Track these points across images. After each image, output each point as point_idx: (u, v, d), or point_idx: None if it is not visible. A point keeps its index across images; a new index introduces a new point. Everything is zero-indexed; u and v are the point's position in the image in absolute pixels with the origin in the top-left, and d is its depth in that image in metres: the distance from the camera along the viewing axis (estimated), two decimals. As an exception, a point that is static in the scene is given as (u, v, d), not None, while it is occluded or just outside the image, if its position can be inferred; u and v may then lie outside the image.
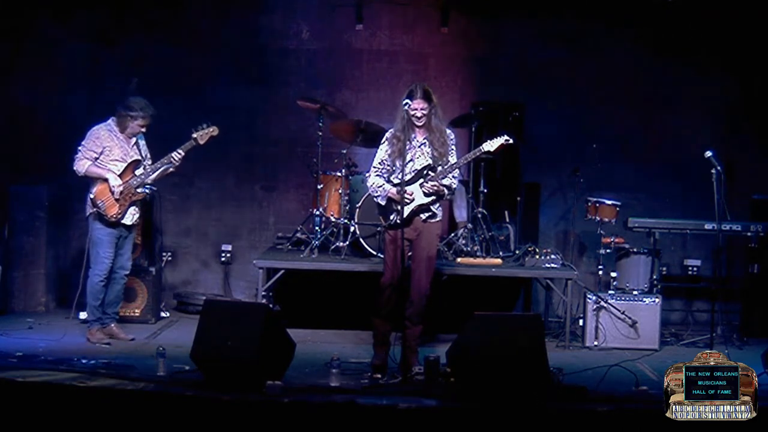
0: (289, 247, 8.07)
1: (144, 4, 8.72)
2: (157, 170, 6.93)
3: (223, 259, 8.90)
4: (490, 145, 6.26)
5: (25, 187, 8.23)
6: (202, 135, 6.90)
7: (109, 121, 6.95)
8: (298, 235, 8.09)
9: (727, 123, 8.76)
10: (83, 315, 7.32)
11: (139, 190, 6.92)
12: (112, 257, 6.93)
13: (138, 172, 6.93)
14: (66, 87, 8.63)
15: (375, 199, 6.36)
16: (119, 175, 6.85)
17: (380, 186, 6.25)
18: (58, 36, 8.64)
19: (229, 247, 8.89)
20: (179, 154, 6.86)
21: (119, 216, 6.86)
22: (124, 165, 6.90)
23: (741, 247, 8.10)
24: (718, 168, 6.78)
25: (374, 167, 6.32)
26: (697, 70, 8.73)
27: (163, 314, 8.13)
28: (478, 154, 6.33)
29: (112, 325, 7.11)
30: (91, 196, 6.83)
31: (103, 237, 6.88)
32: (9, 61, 8.63)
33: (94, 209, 6.83)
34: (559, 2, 8.69)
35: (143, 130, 6.93)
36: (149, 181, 6.98)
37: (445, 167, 6.18)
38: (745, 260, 8.11)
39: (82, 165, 6.84)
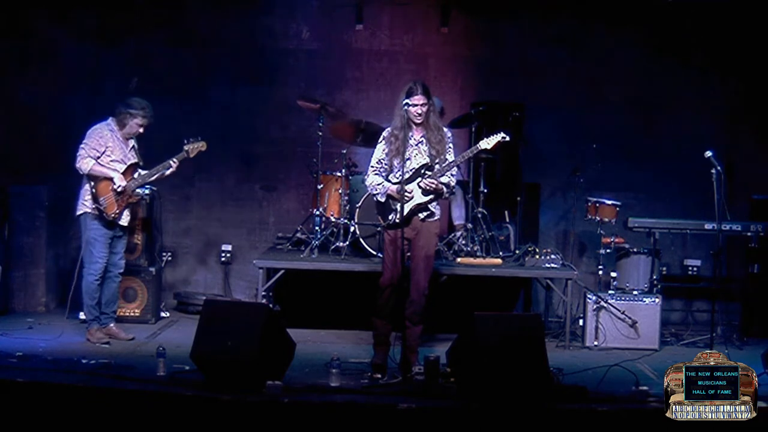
0: (289, 247, 8.07)
1: (144, 4, 8.72)
2: (154, 176, 6.97)
3: (223, 259, 8.90)
4: (487, 143, 6.26)
5: (25, 187, 8.22)
6: (192, 149, 6.96)
7: (109, 120, 6.96)
8: (298, 235, 8.10)
9: (727, 123, 8.77)
10: (83, 315, 7.32)
11: (136, 192, 6.96)
12: (107, 257, 6.95)
13: (136, 175, 6.96)
14: (66, 87, 8.62)
15: (375, 197, 6.35)
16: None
17: (379, 184, 6.25)
18: (58, 36, 8.62)
19: (229, 247, 8.89)
20: (175, 162, 6.92)
21: (117, 216, 6.89)
22: (124, 167, 6.91)
23: (741, 247, 8.09)
24: (718, 168, 6.77)
25: (372, 166, 6.32)
26: (697, 70, 8.74)
27: (163, 314, 8.12)
28: (475, 151, 6.32)
29: (112, 324, 7.11)
30: (94, 191, 6.81)
31: (99, 237, 6.89)
32: (9, 61, 8.63)
33: (94, 207, 6.83)
34: (560, 2, 8.69)
35: (141, 130, 6.93)
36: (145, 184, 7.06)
37: (443, 165, 6.18)
38: (745, 260, 8.09)
39: (86, 163, 6.82)
